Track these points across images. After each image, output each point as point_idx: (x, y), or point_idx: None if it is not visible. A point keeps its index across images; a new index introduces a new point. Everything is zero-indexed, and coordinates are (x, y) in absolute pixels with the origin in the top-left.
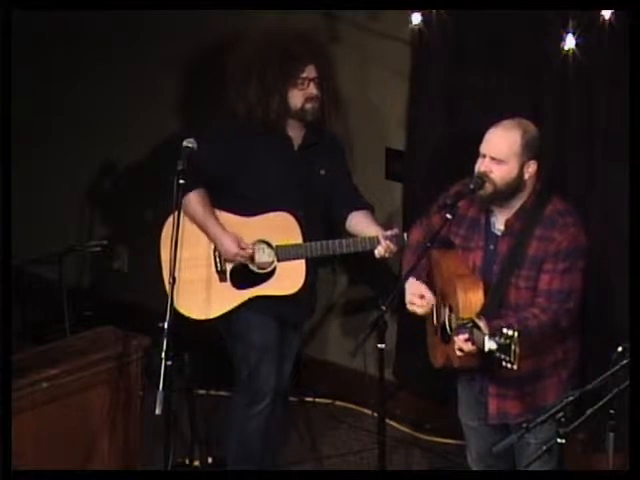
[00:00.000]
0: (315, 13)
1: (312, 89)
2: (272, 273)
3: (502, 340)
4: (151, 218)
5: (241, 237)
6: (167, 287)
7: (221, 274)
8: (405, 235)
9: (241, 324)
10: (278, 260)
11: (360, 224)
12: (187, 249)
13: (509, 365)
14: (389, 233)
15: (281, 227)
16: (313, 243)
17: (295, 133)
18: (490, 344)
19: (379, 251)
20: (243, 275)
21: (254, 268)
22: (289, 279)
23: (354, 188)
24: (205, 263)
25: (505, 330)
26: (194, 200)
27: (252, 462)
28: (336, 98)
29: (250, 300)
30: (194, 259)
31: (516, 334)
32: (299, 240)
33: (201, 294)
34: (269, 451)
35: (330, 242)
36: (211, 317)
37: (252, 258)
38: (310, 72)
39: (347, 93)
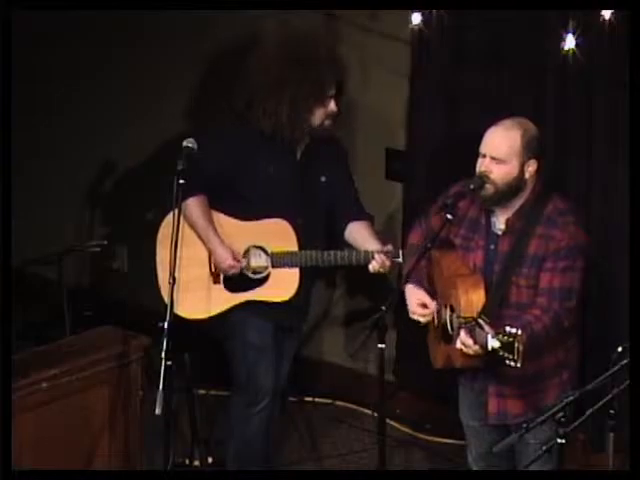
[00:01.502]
0: (315, 13)
1: (333, 106)
2: (266, 279)
3: (505, 338)
4: (151, 218)
5: (237, 251)
6: (161, 286)
7: (215, 276)
8: (400, 252)
9: (237, 325)
10: (272, 266)
11: (357, 236)
12: (183, 249)
13: (513, 363)
14: (384, 249)
15: (277, 234)
16: (308, 252)
17: (298, 140)
18: (493, 342)
19: (373, 266)
20: (237, 279)
21: (248, 273)
22: (282, 286)
23: (355, 197)
24: (200, 264)
25: (508, 328)
26: (193, 206)
27: (252, 462)
28: (341, 108)
29: (242, 304)
30: (189, 259)
31: (519, 332)
32: (294, 248)
33: (194, 294)
34: (269, 451)
35: (325, 253)
36: (202, 317)
37: (247, 263)
38: (333, 89)
39: (347, 93)
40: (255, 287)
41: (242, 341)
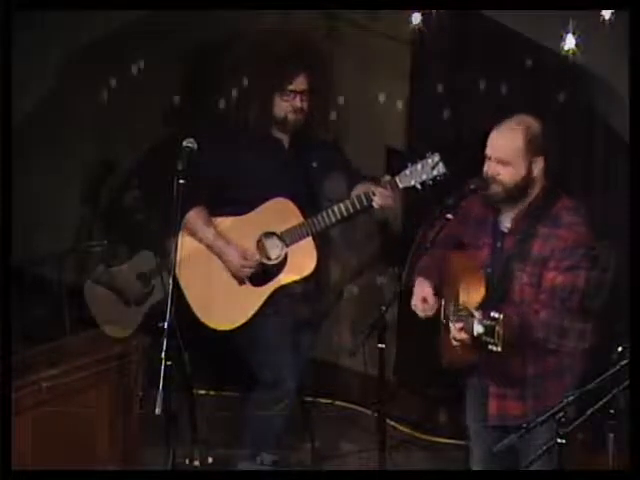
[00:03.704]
0: (315, 13)
1: (297, 102)
2: (285, 261)
3: (488, 323)
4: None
5: (245, 248)
6: (191, 304)
7: (239, 278)
8: (398, 178)
9: (257, 326)
10: (287, 245)
11: (358, 189)
12: (203, 265)
13: (494, 347)
14: (382, 180)
15: (281, 213)
16: (314, 218)
17: (283, 135)
18: (478, 328)
19: (376, 202)
20: (259, 272)
21: (268, 262)
22: (302, 262)
23: (354, 170)
24: (221, 273)
25: (492, 313)
26: (194, 218)
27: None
28: (328, 107)
29: (273, 294)
30: (212, 271)
31: (501, 317)
32: (300, 220)
33: (226, 304)
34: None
35: (329, 210)
36: (241, 323)
37: (265, 253)
38: (299, 84)
39: (347, 93)
40: (278, 272)
41: (263, 341)
